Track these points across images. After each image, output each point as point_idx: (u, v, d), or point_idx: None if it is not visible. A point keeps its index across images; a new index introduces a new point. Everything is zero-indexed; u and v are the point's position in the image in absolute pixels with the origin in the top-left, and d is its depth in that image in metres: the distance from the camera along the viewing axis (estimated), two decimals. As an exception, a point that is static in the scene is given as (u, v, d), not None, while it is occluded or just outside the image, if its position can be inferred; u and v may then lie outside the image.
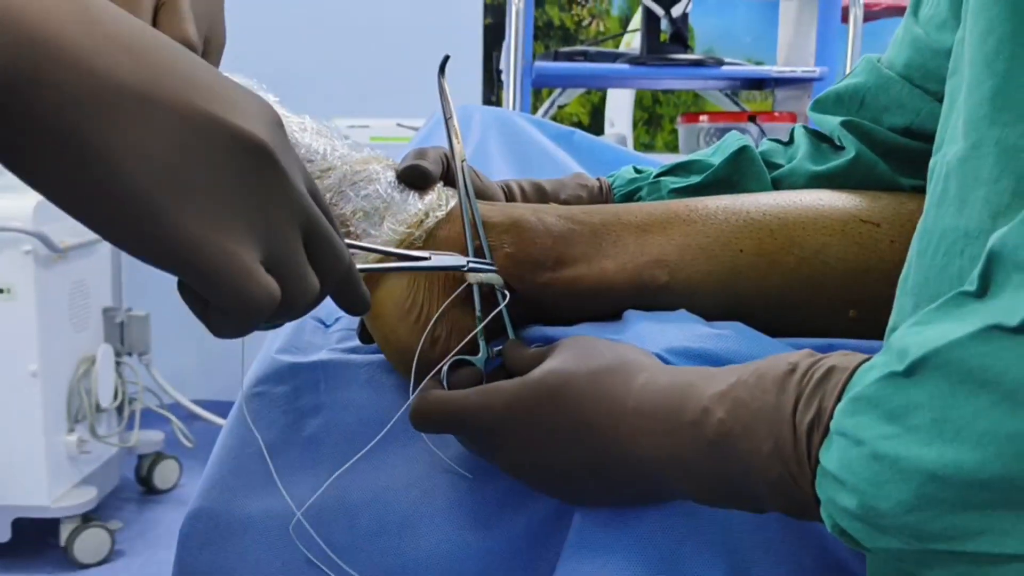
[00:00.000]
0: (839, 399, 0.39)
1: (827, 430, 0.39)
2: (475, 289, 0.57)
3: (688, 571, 0.48)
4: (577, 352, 0.50)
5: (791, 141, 0.75)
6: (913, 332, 0.36)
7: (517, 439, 0.50)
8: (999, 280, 0.34)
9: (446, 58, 0.64)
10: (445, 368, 0.55)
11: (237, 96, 0.39)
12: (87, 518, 2.17)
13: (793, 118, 1.96)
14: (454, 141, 0.62)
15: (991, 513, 0.33)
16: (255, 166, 0.38)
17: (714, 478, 0.44)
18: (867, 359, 0.40)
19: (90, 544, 2.15)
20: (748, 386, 0.43)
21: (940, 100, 0.64)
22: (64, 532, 2.14)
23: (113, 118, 0.34)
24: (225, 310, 0.39)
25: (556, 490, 0.51)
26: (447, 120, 0.62)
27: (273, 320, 0.42)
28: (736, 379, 0.43)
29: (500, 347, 0.57)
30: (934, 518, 0.34)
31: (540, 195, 0.70)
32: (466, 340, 0.56)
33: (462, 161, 0.61)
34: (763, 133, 1.91)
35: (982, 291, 0.34)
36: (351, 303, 0.48)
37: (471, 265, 0.57)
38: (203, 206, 0.36)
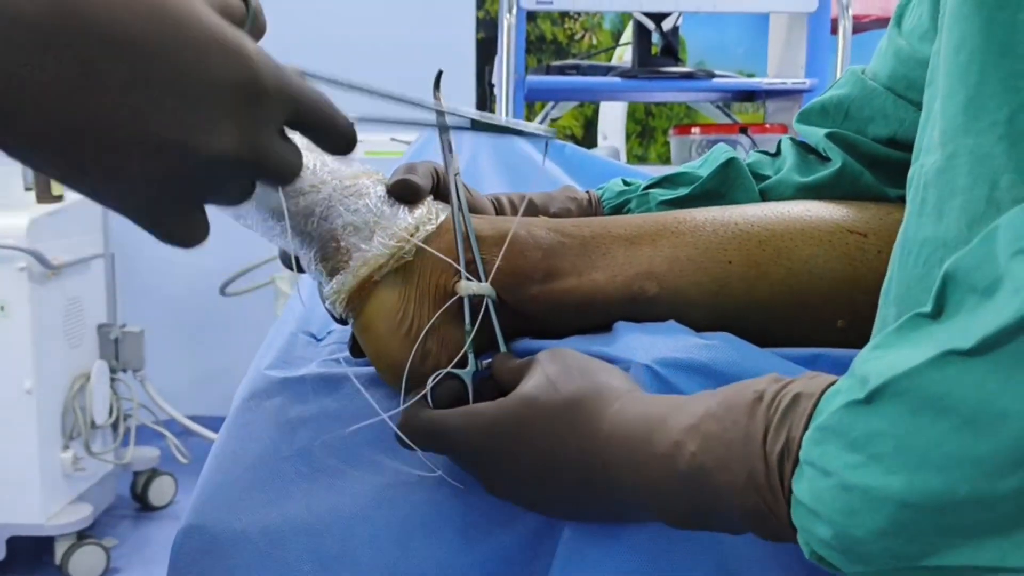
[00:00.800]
0: (807, 427, 0.39)
1: (797, 459, 0.39)
2: (466, 301, 0.57)
3: None
4: (552, 374, 0.50)
5: (778, 152, 0.76)
6: (873, 357, 0.37)
7: (498, 463, 0.50)
8: (954, 302, 0.35)
9: (440, 73, 0.64)
10: (428, 387, 0.55)
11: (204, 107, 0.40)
12: (82, 535, 2.16)
13: (784, 129, 1.97)
14: (448, 155, 0.62)
15: (964, 529, 0.33)
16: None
17: (688, 508, 0.44)
18: (832, 383, 0.40)
19: (85, 562, 2.14)
20: (717, 418, 0.43)
21: None
22: (59, 550, 2.13)
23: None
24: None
25: (539, 510, 0.51)
26: (442, 134, 0.63)
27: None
28: (704, 411, 0.43)
29: (490, 360, 0.57)
30: (909, 541, 0.35)
31: (529, 209, 0.70)
32: (457, 357, 0.57)
33: (455, 175, 0.61)
34: (755, 144, 1.92)
35: (937, 313, 0.35)
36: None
37: (463, 277, 0.57)
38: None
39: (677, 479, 0.43)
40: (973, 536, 0.33)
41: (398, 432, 0.53)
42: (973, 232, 0.40)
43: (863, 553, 0.36)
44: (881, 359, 0.36)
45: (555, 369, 0.51)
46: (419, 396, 0.55)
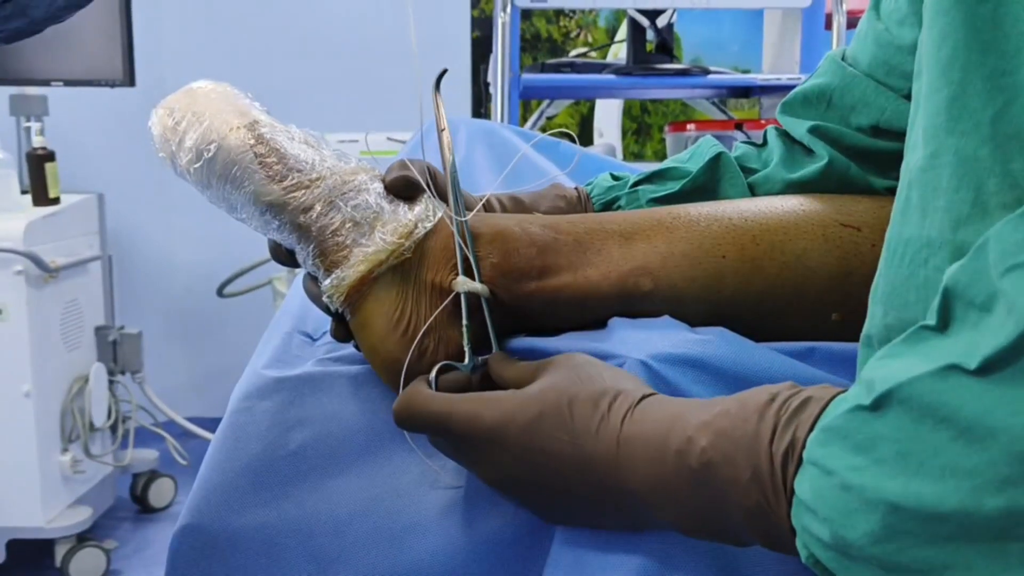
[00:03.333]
0: (812, 429, 0.39)
1: (801, 459, 0.39)
2: (463, 298, 0.58)
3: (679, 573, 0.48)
4: (577, 373, 0.50)
5: (765, 143, 0.75)
6: (880, 365, 0.37)
7: (506, 453, 0.49)
8: (957, 316, 0.35)
9: (443, 72, 0.64)
10: (434, 373, 0.55)
11: None
12: (82, 538, 2.16)
13: (779, 125, 1.97)
14: (446, 152, 0.62)
15: (954, 547, 0.33)
16: None
17: (697, 507, 0.44)
18: (843, 391, 0.40)
19: (86, 564, 2.14)
20: (730, 415, 0.43)
21: (904, 96, 0.64)
22: (59, 552, 2.13)
23: None
24: None
25: (538, 507, 0.51)
26: (440, 132, 0.62)
27: None
28: (720, 409, 0.44)
29: (486, 357, 0.57)
30: (900, 551, 0.35)
31: (519, 207, 0.70)
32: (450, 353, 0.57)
33: (453, 173, 0.61)
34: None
35: (943, 326, 0.35)
36: None
37: (460, 273, 0.58)
38: None
39: (687, 474, 0.44)
40: (959, 554, 0.33)
41: (397, 411, 0.53)
42: (957, 234, 0.40)
43: (855, 558, 0.36)
44: (888, 367, 0.36)
45: (578, 369, 0.51)
46: (420, 379, 0.55)
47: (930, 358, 0.34)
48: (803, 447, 0.39)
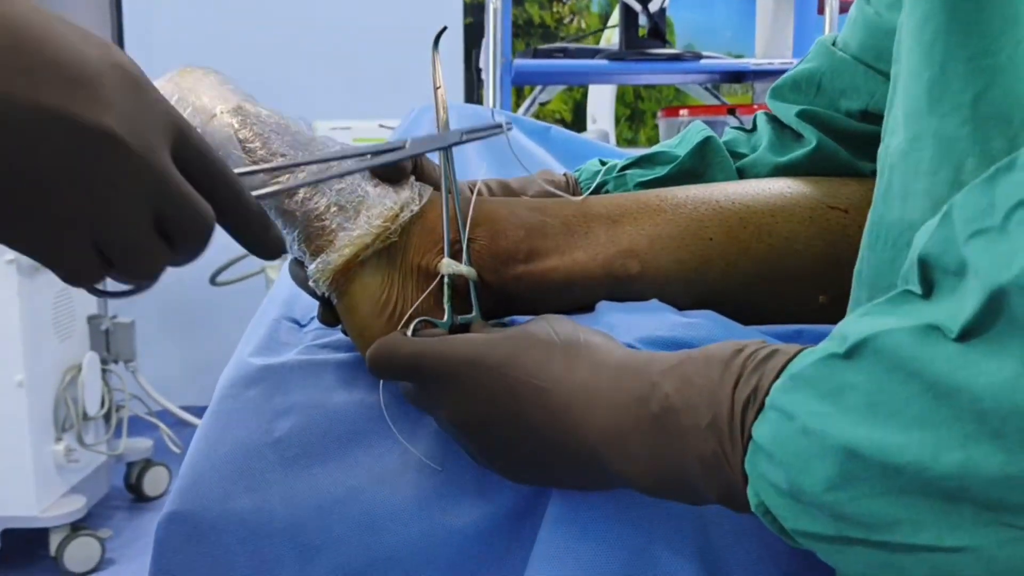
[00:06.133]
0: (777, 377, 0.39)
1: (762, 405, 0.39)
2: (446, 280, 0.57)
3: (660, 560, 0.48)
4: (550, 324, 0.50)
5: (754, 128, 0.75)
6: (857, 321, 0.37)
7: (477, 390, 0.49)
8: (937, 283, 0.35)
9: (442, 30, 0.64)
10: (411, 327, 0.55)
11: (81, 72, 0.40)
12: (77, 527, 2.16)
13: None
14: (440, 111, 0.61)
15: (907, 501, 0.33)
16: (96, 155, 0.39)
17: (653, 456, 0.43)
18: (812, 348, 0.40)
19: (80, 553, 2.14)
20: (696, 363, 0.43)
21: None
22: (54, 541, 2.14)
23: None
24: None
25: (496, 455, 0.51)
26: (435, 90, 0.62)
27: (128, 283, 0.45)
28: (686, 357, 0.44)
29: (467, 318, 0.57)
30: (853, 500, 0.34)
31: (507, 193, 0.70)
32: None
33: (444, 124, 0.61)
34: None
35: (927, 293, 0.35)
36: (251, 244, 0.49)
37: (446, 255, 0.57)
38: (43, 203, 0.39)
39: (647, 420, 0.43)
40: (911, 509, 0.33)
41: (372, 356, 0.53)
42: None
43: (808, 505, 0.36)
44: (865, 322, 0.36)
45: (550, 322, 0.51)
46: (399, 330, 0.55)
47: (911, 317, 0.34)
48: (766, 394, 0.39)
